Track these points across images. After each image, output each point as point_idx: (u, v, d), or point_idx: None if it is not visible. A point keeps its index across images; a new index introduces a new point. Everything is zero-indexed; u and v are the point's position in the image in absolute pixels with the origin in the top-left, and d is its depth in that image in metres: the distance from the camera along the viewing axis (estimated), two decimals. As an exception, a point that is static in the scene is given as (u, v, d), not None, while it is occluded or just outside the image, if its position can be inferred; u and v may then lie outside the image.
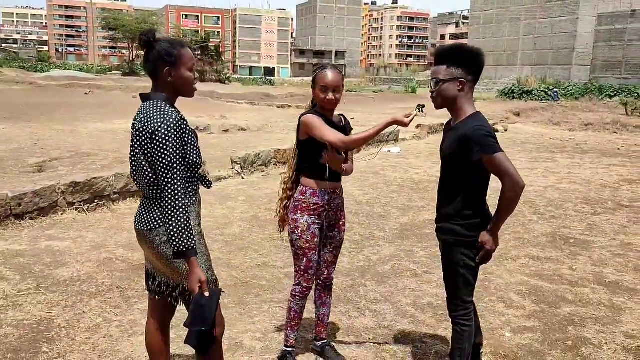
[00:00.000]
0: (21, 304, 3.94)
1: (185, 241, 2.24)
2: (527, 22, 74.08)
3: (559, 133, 18.36)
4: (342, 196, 3.25)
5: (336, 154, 3.01)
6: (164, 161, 2.26)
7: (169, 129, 2.27)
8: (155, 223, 2.39)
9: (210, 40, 59.67)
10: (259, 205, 7.05)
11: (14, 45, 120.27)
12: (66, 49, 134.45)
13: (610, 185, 9.18)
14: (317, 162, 3.05)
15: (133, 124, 2.45)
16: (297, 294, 3.20)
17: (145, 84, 42.54)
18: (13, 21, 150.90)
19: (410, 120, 2.81)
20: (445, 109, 2.82)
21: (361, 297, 4.35)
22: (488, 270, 4.83)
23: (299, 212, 3.11)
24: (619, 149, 14.32)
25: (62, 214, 6.18)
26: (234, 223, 6.26)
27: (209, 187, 2.58)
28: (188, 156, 2.37)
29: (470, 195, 2.75)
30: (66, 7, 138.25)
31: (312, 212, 3.10)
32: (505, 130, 17.79)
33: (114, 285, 4.35)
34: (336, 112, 3.21)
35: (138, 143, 2.36)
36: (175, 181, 2.25)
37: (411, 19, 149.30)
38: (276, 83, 57.52)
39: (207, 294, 2.31)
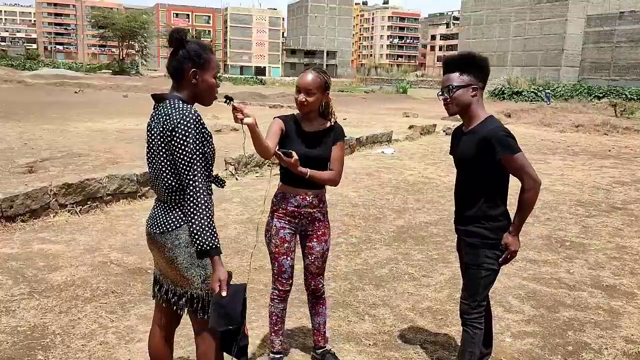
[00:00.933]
0: (14, 310, 3.86)
1: (210, 239, 2.18)
2: (517, 23, 74.52)
3: (550, 134, 18.45)
4: (320, 206, 3.11)
5: (282, 157, 2.79)
6: (186, 157, 2.20)
7: (189, 124, 2.22)
8: (168, 226, 2.34)
9: (201, 39, 59.35)
10: (254, 208, 6.99)
11: (2, 43, 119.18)
12: (55, 47, 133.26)
13: (603, 187, 9.21)
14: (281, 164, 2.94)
15: (149, 125, 2.39)
16: (275, 297, 3.15)
17: (136, 82, 42.29)
18: (1, 19, 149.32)
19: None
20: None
21: (360, 302, 4.31)
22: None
23: (270, 214, 3.09)
24: (610, 150, 14.40)
25: (54, 216, 6.09)
26: (229, 225, 6.20)
27: (222, 187, 2.52)
28: (206, 154, 2.30)
29: (494, 196, 2.83)
30: (55, 4, 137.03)
31: (281, 216, 3.05)
32: (497, 132, 17.82)
33: (109, 290, 4.28)
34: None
35: (156, 144, 2.31)
36: (198, 177, 2.20)
37: (402, 19, 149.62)
38: (267, 82, 57.43)
39: (224, 293, 2.25)
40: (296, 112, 3.10)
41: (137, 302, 4.09)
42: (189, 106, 2.30)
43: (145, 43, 71.11)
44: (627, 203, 8.08)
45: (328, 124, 3.08)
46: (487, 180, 2.80)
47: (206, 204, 2.20)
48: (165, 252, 2.37)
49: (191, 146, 2.21)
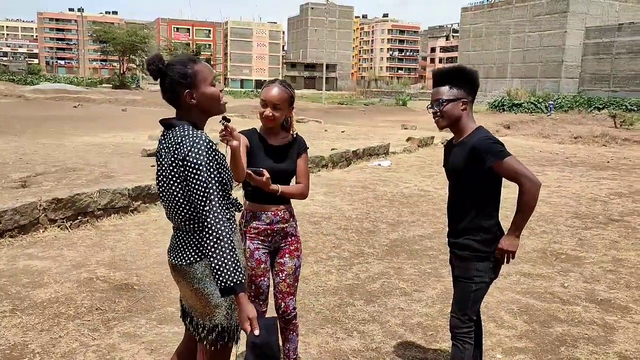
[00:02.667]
0: (-5, 328, 3.78)
1: (233, 275, 1.99)
2: (517, 35, 74.82)
3: (549, 146, 18.41)
4: (291, 220, 3.04)
5: (253, 177, 2.72)
6: (201, 187, 2.06)
7: (200, 151, 2.08)
8: (196, 256, 2.21)
9: (202, 53, 59.88)
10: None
11: (4, 58, 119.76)
12: (57, 61, 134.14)
13: (600, 199, 9.14)
14: (250, 183, 2.82)
15: (158, 153, 2.26)
16: None
17: (135, 96, 42.45)
18: (3, 34, 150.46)
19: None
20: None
21: (349, 318, 4.23)
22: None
23: (241, 236, 2.92)
24: (608, 162, 14.35)
25: (43, 232, 6.02)
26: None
27: (239, 211, 2.38)
28: (222, 177, 2.17)
29: (485, 208, 2.79)
30: (57, 20, 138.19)
31: (254, 237, 2.94)
32: (496, 143, 17.78)
33: (93, 307, 4.20)
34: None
35: (168, 174, 2.18)
36: (215, 207, 2.04)
37: (402, 32, 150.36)
38: (267, 96, 57.33)
39: (257, 332, 2.08)
40: (255, 125, 3.05)
41: (121, 320, 4.01)
42: (199, 132, 2.16)
43: (145, 57, 71.53)
44: (625, 215, 8.00)
45: (290, 137, 3.02)
46: (478, 192, 2.77)
47: (227, 236, 2.02)
48: (194, 284, 2.23)
49: (205, 175, 2.07)
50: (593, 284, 5.11)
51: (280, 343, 3.17)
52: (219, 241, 2.02)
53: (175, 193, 2.19)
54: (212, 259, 2.01)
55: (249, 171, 2.71)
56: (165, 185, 2.23)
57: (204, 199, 2.06)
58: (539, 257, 5.86)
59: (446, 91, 2.78)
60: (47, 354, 3.46)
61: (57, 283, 4.65)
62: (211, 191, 2.07)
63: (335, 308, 4.41)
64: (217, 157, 2.16)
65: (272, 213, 2.95)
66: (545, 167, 12.94)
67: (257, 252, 2.94)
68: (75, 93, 43.26)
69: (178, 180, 2.16)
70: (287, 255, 3.04)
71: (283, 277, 3.04)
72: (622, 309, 4.52)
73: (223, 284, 2.00)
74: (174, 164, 2.14)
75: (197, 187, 2.08)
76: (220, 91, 2.29)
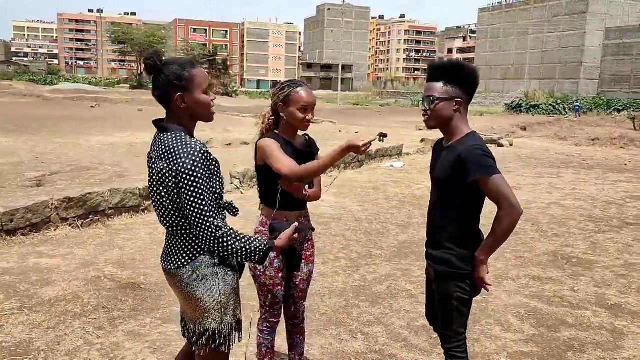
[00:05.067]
0: (2, 325, 3.83)
1: (254, 254, 2.17)
2: (535, 36, 74.07)
3: (565, 148, 18.18)
4: (307, 224, 3.00)
5: (292, 182, 2.70)
6: (193, 199, 2.06)
7: (195, 162, 2.07)
8: (183, 260, 2.20)
9: (218, 53, 60.18)
10: (255, 222, 6.92)
11: (25, 59, 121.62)
12: (76, 62, 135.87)
13: (615, 202, 9.00)
14: (275, 189, 2.76)
15: (149, 155, 2.25)
16: (265, 329, 2.96)
17: (151, 97, 42.79)
18: (24, 35, 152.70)
19: (366, 147, 2.45)
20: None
21: (354, 319, 4.21)
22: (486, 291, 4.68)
23: None
24: (626, 164, 14.12)
25: (55, 230, 6.09)
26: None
27: (235, 215, 2.36)
28: (215, 187, 2.16)
29: (465, 221, 2.56)
30: (76, 21, 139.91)
31: None
32: (511, 145, 17.63)
33: (99, 305, 4.24)
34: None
35: (157, 180, 2.17)
36: (212, 220, 2.07)
37: (418, 32, 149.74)
38: (283, 96, 57.42)
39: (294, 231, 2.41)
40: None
41: (127, 318, 4.04)
42: (193, 142, 2.13)
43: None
44: (640, 218, 7.87)
45: (304, 138, 2.97)
46: (460, 202, 2.53)
47: (232, 239, 2.11)
48: (183, 288, 2.22)
49: (199, 186, 2.07)
50: (604, 288, 5.03)
51: (286, 347, 3.17)
52: (229, 247, 2.09)
53: (163, 199, 2.17)
54: (232, 258, 2.18)
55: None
56: (155, 190, 2.21)
57: (200, 215, 2.06)
58: (549, 261, 5.79)
59: (439, 88, 2.52)
60: (52, 352, 3.49)
61: (65, 281, 4.69)
62: (206, 204, 2.06)
63: (340, 309, 4.39)
64: (211, 167, 2.14)
65: (296, 220, 2.82)
66: (560, 169, 12.78)
67: (276, 260, 2.86)
68: (93, 93, 43.76)
69: (167, 188, 2.14)
70: (303, 261, 2.99)
71: (297, 282, 3.01)
72: (633, 314, 4.44)
73: (258, 262, 2.20)
74: (166, 172, 2.11)
75: (190, 198, 2.06)
76: (212, 100, 2.26)
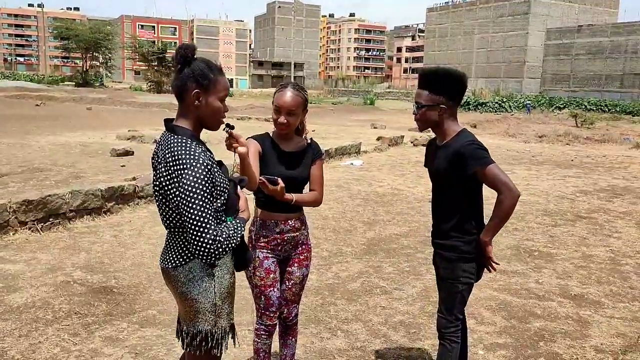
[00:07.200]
0: (-30, 335, 3.67)
1: (241, 234, 2.20)
2: (481, 35, 76.20)
3: (515, 145, 18.81)
4: (303, 228, 2.97)
5: (268, 185, 2.62)
6: (191, 214, 2.02)
7: (196, 181, 2.03)
8: (181, 259, 2.18)
9: (168, 51, 58.89)
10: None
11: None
12: (16, 58, 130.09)
13: (567, 197, 9.40)
14: (262, 190, 2.70)
15: (155, 154, 2.21)
16: (262, 333, 2.92)
17: (100, 95, 41.49)
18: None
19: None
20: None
21: (332, 317, 4.25)
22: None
23: (249, 245, 2.85)
24: (572, 160, 14.75)
25: (13, 234, 5.86)
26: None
27: (243, 188, 2.38)
28: (215, 199, 2.12)
29: (469, 210, 2.80)
30: (15, 15, 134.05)
31: (263, 246, 2.86)
32: (464, 142, 18.07)
33: (72, 311, 4.11)
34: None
35: (159, 182, 2.15)
36: (206, 234, 2.02)
37: (368, 31, 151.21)
38: (235, 94, 56.96)
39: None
40: (269, 130, 2.96)
41: (102, 323, 3.94)
42: (197, 152, 2.08)
43: (109, 55, 69.86)
44: (591, 212, 8.25)
45: (305, 142, 2.94)
46: (462, 194, 2.78)
47: (220, 245, 2.05)
48: (179, 288, 2.20)
49: (199, 201, 2.02)
50: (566, 279, 5.26)
51: (278, 347, 3.17)
52: (215, 254, 2.04)
53: (164, 200, 2.17)
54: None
55: (263, 179, 2.60)
56: (157, 191, 2.20)
57: (197, 226, 2.02)
58: (513, 255, 6.00)
59: (425, 96, 2.75)
60: (28, 361, 3.37)
61: (32, 287, 4.53)
62: (204, 219, 2.02)
63: (317, 307, 4.42)
64: (213, 179, 2.11)
65: (283, 223, 2.86)
66: (514, 165, 13.22)
67: (266, 261, 2.85)
68: (36, 91, 42.06)
69: (167, 195, 2.12)
70: (296, 265, 2.97)
71: (290, 286, 2.99)
72: (595, 304, 4.67)
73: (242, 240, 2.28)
74: (168, 176, 2.10)
75: (189, 212, 2.03)
76: (225, 111, 2.26)
